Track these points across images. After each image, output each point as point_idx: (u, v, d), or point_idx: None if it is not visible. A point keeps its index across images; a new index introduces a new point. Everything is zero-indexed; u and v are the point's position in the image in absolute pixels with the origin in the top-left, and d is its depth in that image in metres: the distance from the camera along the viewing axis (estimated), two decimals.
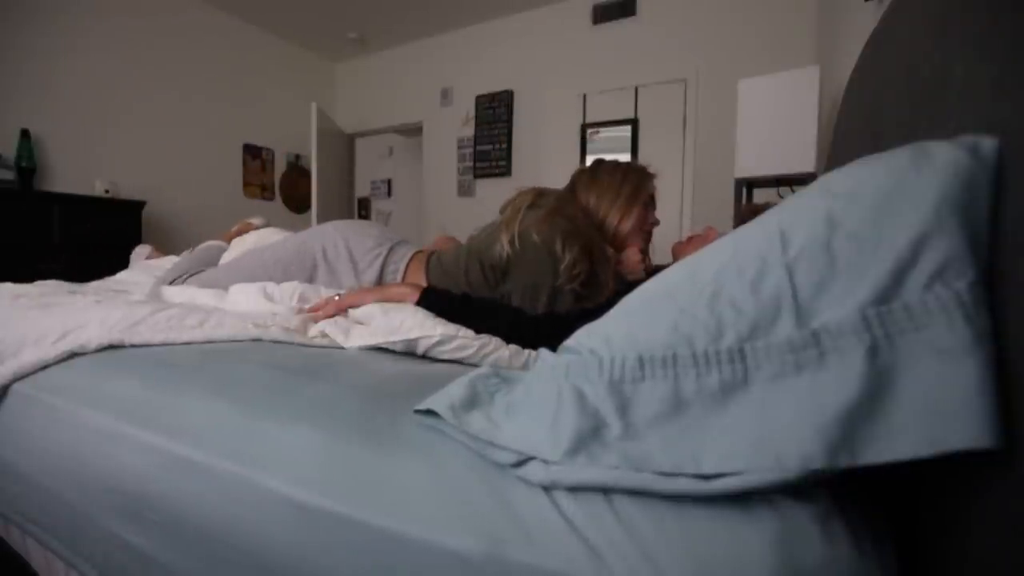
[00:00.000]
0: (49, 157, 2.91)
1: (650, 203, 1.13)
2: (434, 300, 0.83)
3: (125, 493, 0.52)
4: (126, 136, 3.29)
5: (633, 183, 1.09)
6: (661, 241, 1.26)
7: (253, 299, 0.94)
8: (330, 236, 1.11)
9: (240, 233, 1.56)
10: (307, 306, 0.91)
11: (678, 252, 1.22)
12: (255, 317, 0.80)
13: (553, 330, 0.69)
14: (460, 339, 0.71)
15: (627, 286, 0.96)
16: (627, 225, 1.07)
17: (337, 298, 0.88)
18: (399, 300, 0.84)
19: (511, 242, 0.90)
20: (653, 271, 1.18)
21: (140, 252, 1.80)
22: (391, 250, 1.10)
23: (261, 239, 1.40)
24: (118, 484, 0.53)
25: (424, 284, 1.00)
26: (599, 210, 1.07)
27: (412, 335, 0.70)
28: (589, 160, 3.51)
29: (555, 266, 0.88)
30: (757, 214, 1.22)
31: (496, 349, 0.72)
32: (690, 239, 1.22)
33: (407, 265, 1.09)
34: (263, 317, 0.81)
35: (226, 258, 1.36)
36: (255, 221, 1.69)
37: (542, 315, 0.88)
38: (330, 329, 0.76)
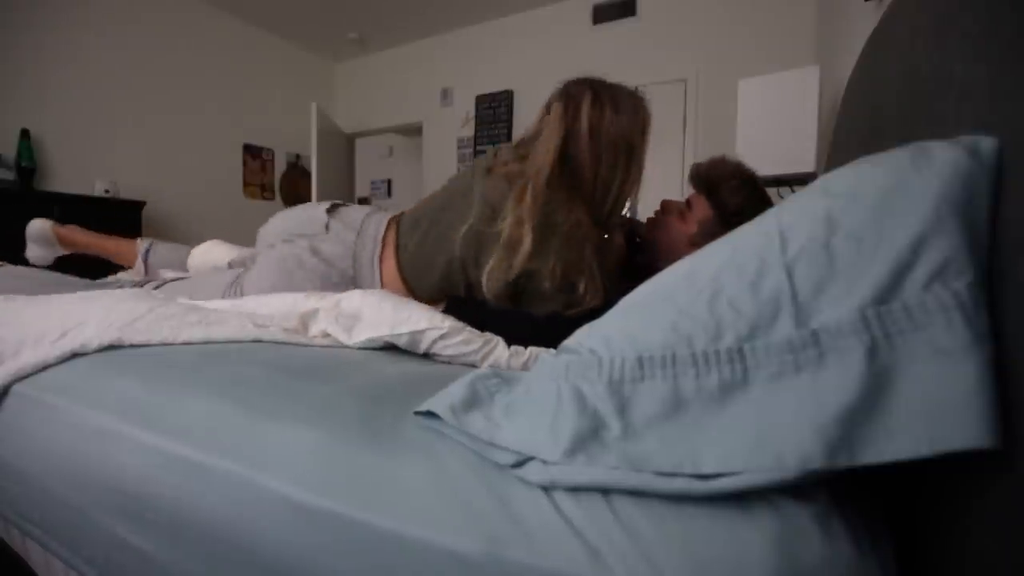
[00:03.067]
0: (49, 157, 2.91)
1: None
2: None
3: (125, 493, 0.52)
4: (126, 136, 3.30)
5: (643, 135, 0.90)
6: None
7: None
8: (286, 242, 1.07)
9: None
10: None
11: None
12: (257, 317, 0.80)
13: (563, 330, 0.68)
14: (467, 332, 0.71)
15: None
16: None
17: None
18: None
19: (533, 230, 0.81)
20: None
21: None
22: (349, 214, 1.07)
23: (204, 261, 1.35)
24: (118, 484, 0.53)
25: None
26: (612, 181, 0.88)
27: (420, 326, 0.71)
28: None
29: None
30: (710, 176, 1.08)
31: (495, 347, 0.72)
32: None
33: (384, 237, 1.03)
34: (265, 317, 0.80)
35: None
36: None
37: (556, 317, 0.85)
38: (332, 328, 0.76)
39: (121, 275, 1.48)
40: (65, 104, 2.98)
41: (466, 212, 0.90)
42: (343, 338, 0.74)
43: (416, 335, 0.71)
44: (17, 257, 2.45)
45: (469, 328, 0.73)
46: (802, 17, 2.83)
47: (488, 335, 0.73)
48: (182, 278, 1.26)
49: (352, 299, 0.84)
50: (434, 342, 0.71)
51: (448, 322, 0.72)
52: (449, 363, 0.72)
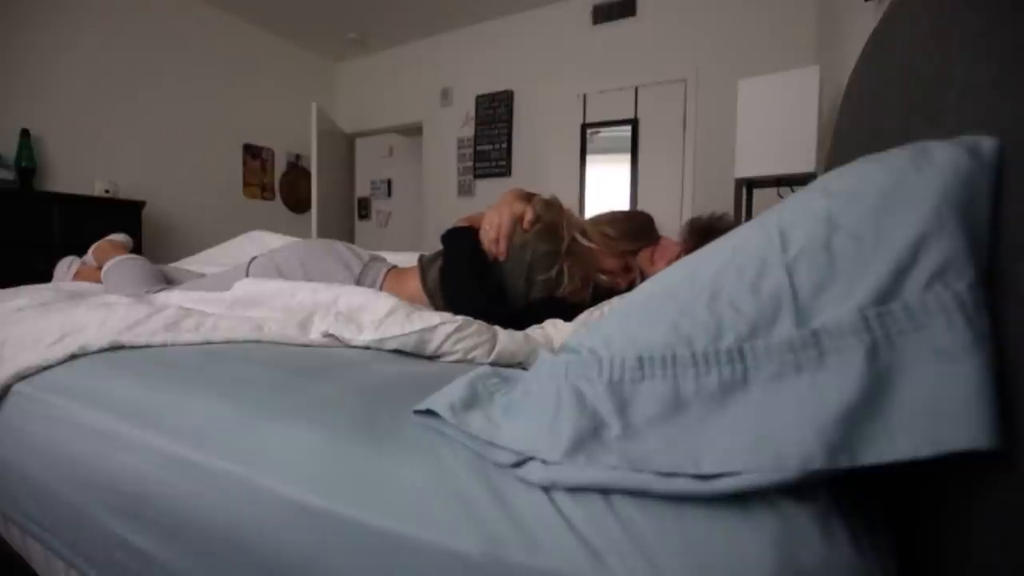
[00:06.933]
0: (49, 157, 2.91)
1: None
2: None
3: (125, 493, 0.52)
4: (126, 136, 3.29)
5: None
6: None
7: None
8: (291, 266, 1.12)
9: (102, 250, 1.46)
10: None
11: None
12: (259, 319, 0.80)
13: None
14: (476, 324, 0.73)
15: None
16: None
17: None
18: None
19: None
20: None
21: (67, 263, 1.54)
22: (363, 273, 1.11)
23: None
24: (118, 484, 0.53)
25: (419, 287, 1.02)
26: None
27: (433, 321, 0.72)
28: (589, 160, 3.51)
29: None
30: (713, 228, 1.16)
31: (498, 335, 0.75)
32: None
33: (383, 282, 1.09)
34: (262, 320, 0.80)
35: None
36: (116, 237, 1.57)
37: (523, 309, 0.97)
38: (335, 328, 0.75)
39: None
40: (65, 104, 2.98)
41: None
42: (347, 335, 0.74)
43: (427, 332, 0.71)
44: (15, 256, 2.46)
45: (477, 321, 0.75)
46: (802, 17, 2.83)
47: (496, 328, 0.76)
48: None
49: (353, 296, 0.84)
50: (447, 337, 0.71)
51: (460, 317, 0.74)
52: (451, 362, 0.72)
